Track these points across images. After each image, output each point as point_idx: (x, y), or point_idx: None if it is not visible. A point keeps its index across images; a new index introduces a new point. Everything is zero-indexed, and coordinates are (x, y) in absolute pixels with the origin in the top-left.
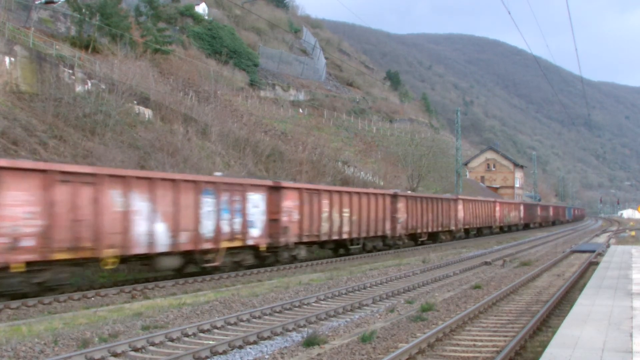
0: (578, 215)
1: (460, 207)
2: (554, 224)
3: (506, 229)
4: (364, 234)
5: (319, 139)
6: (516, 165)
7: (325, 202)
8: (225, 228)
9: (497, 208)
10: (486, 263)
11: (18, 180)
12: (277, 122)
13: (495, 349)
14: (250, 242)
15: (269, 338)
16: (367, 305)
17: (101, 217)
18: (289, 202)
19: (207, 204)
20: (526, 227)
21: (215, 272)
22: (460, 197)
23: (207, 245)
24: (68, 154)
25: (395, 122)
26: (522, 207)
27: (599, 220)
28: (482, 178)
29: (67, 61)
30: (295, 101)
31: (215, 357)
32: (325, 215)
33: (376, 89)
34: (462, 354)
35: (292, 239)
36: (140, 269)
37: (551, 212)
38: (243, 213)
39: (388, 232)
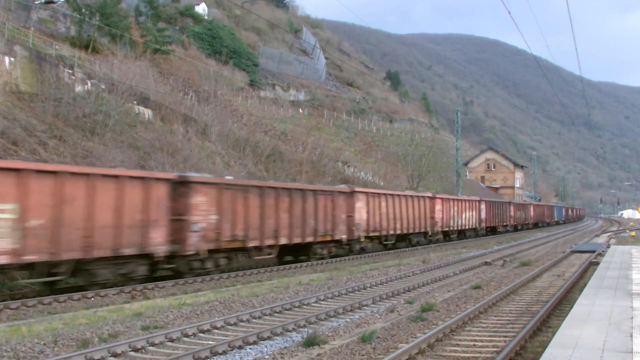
0: (573, 215)
1: (360, 204)
2: (536, 226)
3: (454, 235)
4: (75, 254)
5: (319, 139)
6: (516, 165)
7: None
8: None
9: (437, 207)
10: (486, 263)
11: None
12: (277, 122)
13: (495, 349)
14: None
15: (268, 338)
16: (367, 305)
17: None
18: None
19: None
20: (492, 231)
21: (215, 273)
22: (359, 189)
23: None
24: (68, 154)
25: (395, 122)
26: (483, 206)
27: (599, 220)
28: (482, 178)
29: (67, 61)
30: (295, 101)
31: (215, 357)
32: None
33: (376, 89)
34: (462, 354)
35: None
36: None
37: (531, 213)
38: None
39: (160, 248)
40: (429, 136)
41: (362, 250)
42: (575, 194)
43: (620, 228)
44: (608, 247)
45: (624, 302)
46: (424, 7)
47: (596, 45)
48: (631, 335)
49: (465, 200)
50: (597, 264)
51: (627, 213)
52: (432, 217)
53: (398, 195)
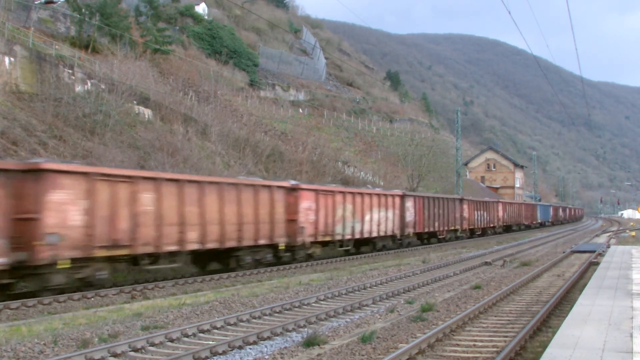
0: (566, 216)
1: (62, 195)
2: (508, 230)
3: (349, 247)
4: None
5: (319, 139)
6: (516, 165)
7: None
8: None
9: (304, 204)
10: (486, 263)
11: None
12: (277, 122)
13: (495, 349)
14: None
15: (268, 338)
16: (367, 305)
17: None
18: None
19: None
20: (431, 238)
21: (216, 273)
22: (57, 166)
23: None
24: (68, 154)
25: (395, 122)
26: (410, 204)
27: (599, 220)
28: (482, 178)
29: (67, 61)
30: (295, 101)
31: (215, 357)
32: None
33: (376, 89)
34: (462, 354)
35: None
36: None
37: (499, 213)
38: None
39: None
40: (429, 136)
41: (89, 285)
42: (575, 194)
43: (620, 228)
44: (608, 247)
45: (624, 302)
46: (424, 8)
47: (596, 46)
48: (631, 335)
49: (371, 194)
50: (597, 264)
51: (627, 213)
52: (294, 220)
53: (207, 182)
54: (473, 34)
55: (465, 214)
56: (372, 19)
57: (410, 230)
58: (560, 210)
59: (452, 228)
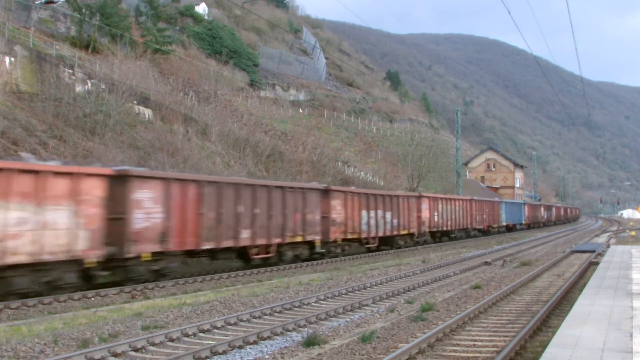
0: (552, 217)
1: None
2: (448, 237)
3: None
4: None
5: (319, 139)
6: (516, 165)
7: None
8: None
9: None
10: (486, 263)
11: None
12: (277, 122)
13: (495, 349)
14: None
15: (269, 338)
16: (367, 305)
17: None
18: None
19: None
20: (277, 256)
21: (215, 272)
22: None
23: None
24: (68, 154)
25: (395, 122)
26: (150, 195)
27: (599, 220)
28: (482, 178)
29: (67, 61)
30: (295, 101)
31: (215, 357)
32: None
33: (376, 89)
34: (462, 354)
35: None
36: None
37: (422, 213)
38: None
39: None
40: (429, 136)
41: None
42: (575, 194)
43: (620, 228)
44: (608, 247)
45: (624, 302)
46: (423, 8)
47: (596, 46)
48: (631, 335)
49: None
50: (597, 263)
51: (627, 213)
52: None
53: None
54: (473, 34)
55: (338, 216)
56: (372, 19)
57: (144, 248)
58: (542, 209)
59: (299, 239)
